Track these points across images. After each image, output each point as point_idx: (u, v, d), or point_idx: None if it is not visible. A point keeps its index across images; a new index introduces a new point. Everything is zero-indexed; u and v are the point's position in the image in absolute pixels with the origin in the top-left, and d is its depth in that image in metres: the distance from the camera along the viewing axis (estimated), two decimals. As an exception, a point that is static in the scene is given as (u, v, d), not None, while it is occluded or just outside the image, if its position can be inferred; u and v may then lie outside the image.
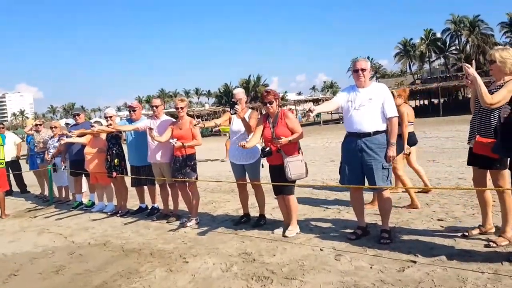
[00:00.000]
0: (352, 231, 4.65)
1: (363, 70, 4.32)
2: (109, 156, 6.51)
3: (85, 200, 7.65)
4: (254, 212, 5.74)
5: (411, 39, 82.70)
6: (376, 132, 4.30)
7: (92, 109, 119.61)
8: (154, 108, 6.07)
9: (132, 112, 6.39)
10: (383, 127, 4.34)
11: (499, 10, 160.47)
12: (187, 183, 5.73)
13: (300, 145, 4.86)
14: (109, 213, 6.80)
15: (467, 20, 72.74)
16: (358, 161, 4.38)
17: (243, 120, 5.07)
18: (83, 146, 7.02)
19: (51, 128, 8.11)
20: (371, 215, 5.36)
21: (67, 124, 8.20)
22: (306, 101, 44.90)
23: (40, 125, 8.71)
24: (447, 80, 43.24)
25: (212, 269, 4.11)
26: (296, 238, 4.75)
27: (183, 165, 5.58)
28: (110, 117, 6.55)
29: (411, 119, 5.93)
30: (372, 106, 4.29)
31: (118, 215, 6.64)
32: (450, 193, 6.18)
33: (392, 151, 4.29)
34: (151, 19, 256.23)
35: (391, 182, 4.54)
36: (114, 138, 6.56)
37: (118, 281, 4.05)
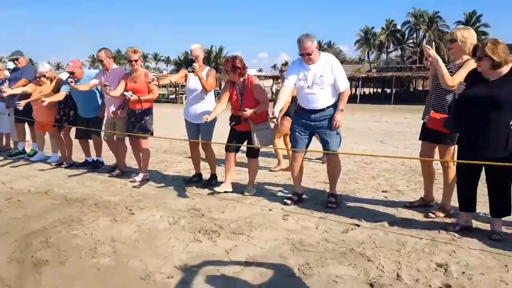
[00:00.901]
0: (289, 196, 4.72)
1: (308, 54, 4.19)
2: (66, 109, 6.22)
3: (27, 149, 7.26)
4: (206, 174, 5.68)
5: (372, 27, 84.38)
6: (329, 106, 4.33)
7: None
8: (100, 62, 5.69)
9: (72, 75, 5.92)
10: (335, 99, 4.37)
11: (457, 9, 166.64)
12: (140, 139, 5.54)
13: (267, 111, 4.80)
14: (53, 164, 6.50)
15: (427, 15, 75.14)
16: (310, 130, 4.41)
17: (201, 79, 4.93)
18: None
19: None
20: (320, 182, 5.48)
21: (9, 69, 7.65)
22: (266, 77, 44.78)
23: None
24: (402, 71, 44.63)
25: (159, 221, 4.05)
26: (246, 198, 4.76)
27: (139, 119, 5.39)
28: (44, 76, 6.22)
29: None
30: (324, 83, 4.25)
31: (63, 166, 6.36)
32: (396, 170, 6.41)
33: (339, 116, 4.30)
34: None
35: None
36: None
37: (58, 228, 3.90)
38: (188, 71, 4.96)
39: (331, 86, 4.27)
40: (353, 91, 46.91)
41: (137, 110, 5.40)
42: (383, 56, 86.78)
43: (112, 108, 5.60)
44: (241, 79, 4.67)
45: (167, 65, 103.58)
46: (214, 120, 5.18)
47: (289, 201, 4.51)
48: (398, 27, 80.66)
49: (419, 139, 4.33)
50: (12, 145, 7.72)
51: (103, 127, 6.04)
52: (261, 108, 4.64)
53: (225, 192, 4.86)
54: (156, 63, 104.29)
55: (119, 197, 4.85)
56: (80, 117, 6.13)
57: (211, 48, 79.13)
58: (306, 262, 3.09)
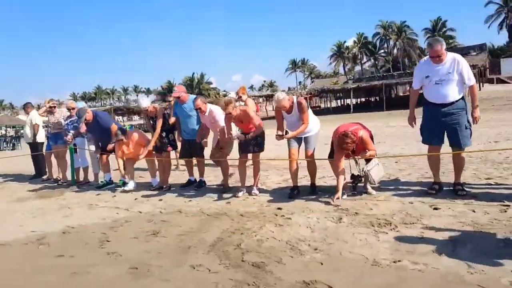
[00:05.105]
0: (431, 186, 5.09)
1: (438, 56, 4.64)
2: (164, 132, 6.56)
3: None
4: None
5: (344, 41, 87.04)
6: (458, 100, 4.75)
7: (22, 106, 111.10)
8: (199, 110, 6.17)
9: (178, 99, 6.48)
10: (462, 95, 4.78)
11: (424, 16, 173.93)
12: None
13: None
14: (152, 188, 6.71)
15: (395, 25, 78.05)
16: (441, 124, 4.82)
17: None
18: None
19: (68, 109, 7.80)
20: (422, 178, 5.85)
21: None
22: (260, 96, 45.89)
23: (54, 107, 8.27)
24: (384, 79, 45.95)
25: (322, 221, 4.33)
26: (375, 197, 5.08)
27: (253, 138, 5.74)
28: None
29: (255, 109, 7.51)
30: (452, 79, 4.68)
31: (164, 190, 6.56)
32: (467, 162, 6.81)
33: (478, 112, 4.75)
34: (88, 15, 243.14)
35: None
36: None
37: (234, 237, 4.13)
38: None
39: (458, 82, 4.69)
40: (341, 102, 48.30)
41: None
42: (357, 67, 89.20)
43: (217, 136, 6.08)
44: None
45: (147, 96, 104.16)
46: (317, 133, 5.60)
47: (433, 191, 4.91)
48: (369, 39, 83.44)
49: None
50: (91, 178, 7.85)
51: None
52: (371, 154, 5.10)
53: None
54: (137, 95, 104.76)
55: (254, 208, 5.11)
56: (183, 139, 6.49)
57: (192, 75, 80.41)
58: (505, 237, 3.44)
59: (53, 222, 5.36)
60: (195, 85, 77.09)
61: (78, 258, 4.01)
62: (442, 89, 4.73)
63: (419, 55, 77.06)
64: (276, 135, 5.28)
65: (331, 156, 5.38)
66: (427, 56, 4.87)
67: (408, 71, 54.72)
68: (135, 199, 6.25)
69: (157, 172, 6.92)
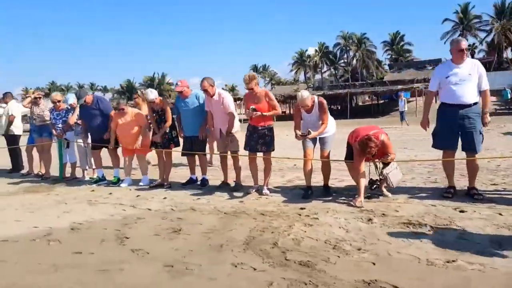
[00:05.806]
0: (446, 189, 5.17)
1: (467, 50, 4.84)
2: (167, 130, 6.35)
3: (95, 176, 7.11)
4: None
5: (306, 50, 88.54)
6: (475, 103, 4.87)
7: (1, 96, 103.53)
8: (205, 92, 5.92)
9: (180, 94, 6.22)
10: (478, 98, 4.92)
11: (383, 29, 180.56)
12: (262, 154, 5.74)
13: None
14: (151, 185, 6.40)
15: (355, 36, 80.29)
16: (457, 128, 4.89)
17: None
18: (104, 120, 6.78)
19: (53, 102, 7.30)
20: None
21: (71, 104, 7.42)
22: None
23: (40, 97, 7.73)
24: (346, 88, 47.10)
25: (352, 222, 4.26)
26: (395, 199, 5.09)
27: (262, 135, 5.62)
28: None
29: None
30: (471, 80, 4.82)
31: (165, 188, 6.27)
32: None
33: (488, 118, 4.90)
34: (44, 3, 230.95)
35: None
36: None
37: (265, 235, 3.98)
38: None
39: (476, 85, 4.83)
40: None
41: (259, 126, 5.59)
42: (317, 76, 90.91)
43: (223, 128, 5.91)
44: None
45: (104, 94, 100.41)
46: (334, 134, 5.55)
47: (450, 195, 4.98)
48: (330, 48, 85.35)
49: None
50: (79, 174, 7.40)
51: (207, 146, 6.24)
52: (392, 158, 5.08)
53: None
54: (93, 93, 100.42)
55: (272, 207, 4.97)
56: (185, 136, 6.25)
57: (153, 75, 78.68)
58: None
59: (55, 217, 4.98)
60: (156, 85, 75.76)
61: (99, 255, 3.71)
62: (460, 90, 4.83)
63: (377, 67, 79.90)
64: (299, 134, 5.17)
65: (347, 159, 5.34)
66: (447, 59, 5.02)
67: (369, 82, 56.63)
68: (137, 196, 5.93)
69: (148, 169, 6.69)
